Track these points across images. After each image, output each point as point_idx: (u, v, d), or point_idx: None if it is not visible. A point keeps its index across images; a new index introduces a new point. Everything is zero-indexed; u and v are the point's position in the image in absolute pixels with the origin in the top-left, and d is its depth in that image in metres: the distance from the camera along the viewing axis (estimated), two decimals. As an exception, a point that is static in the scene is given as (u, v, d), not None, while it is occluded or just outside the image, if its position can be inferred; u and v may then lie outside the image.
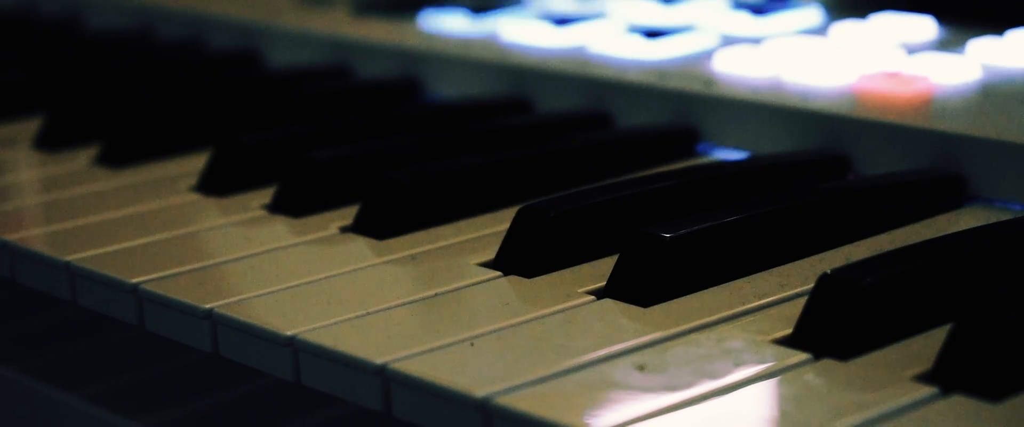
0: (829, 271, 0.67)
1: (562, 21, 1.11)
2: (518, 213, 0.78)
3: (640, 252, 0.72)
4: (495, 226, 0.83)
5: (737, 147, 0.94)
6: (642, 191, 0.80)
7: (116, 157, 0.99)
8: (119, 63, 1.21)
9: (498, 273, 0.76)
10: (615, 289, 0.72)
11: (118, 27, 1.37)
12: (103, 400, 0.87)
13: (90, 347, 0.93)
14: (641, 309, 0.70)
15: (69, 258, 0.81)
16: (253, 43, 1.24)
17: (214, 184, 0.92)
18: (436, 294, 0.74)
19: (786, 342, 0.66)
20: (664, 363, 0.65)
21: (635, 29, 1.08)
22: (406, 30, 1.17)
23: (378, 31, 1.18)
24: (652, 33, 1.06)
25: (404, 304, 0.72)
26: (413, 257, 0.79)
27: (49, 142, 1.04)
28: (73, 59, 1.25)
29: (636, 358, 0.65)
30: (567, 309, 0.71)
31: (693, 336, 0.68)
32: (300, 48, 1.21)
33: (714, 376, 0.63)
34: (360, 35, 1.17)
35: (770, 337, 0.67)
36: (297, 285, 0.75)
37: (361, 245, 0.81)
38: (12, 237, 0.85)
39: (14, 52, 1.28)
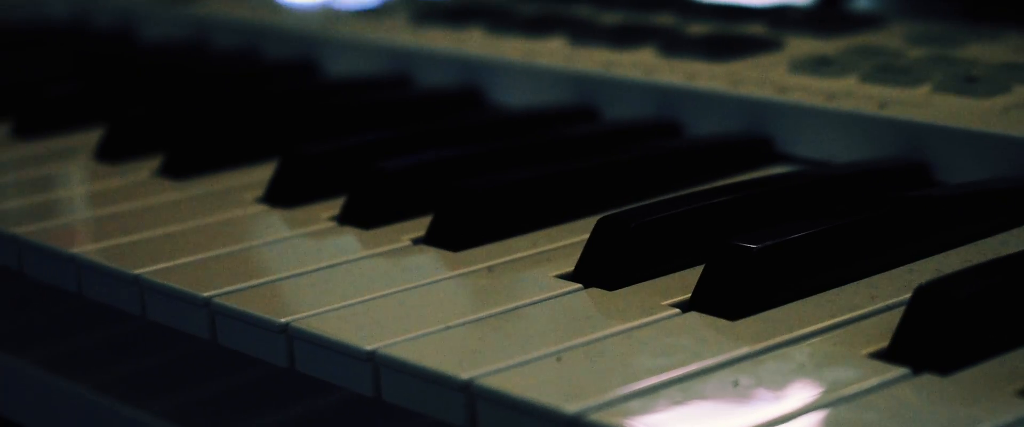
0: (926, 283, 0.65)
1: (626, 30, 1.10)
2: (598, 224, 0.76)
3: (727, 264, 0.70)
4: (571, 237, 0.81)
5: (811, 155, 0.92)
6: (724, 201, 0.78)
7: (179, 169, 0.97)
8: (176, 74, 1.20)
9: (578, 285, 0.74)
10: (701, 302, 0.70)
11: (172, 37, 1.36)
12: (171, 415, 0.85)
13: (156, 361, 0.92)
14: (729, 322, 0.69)
15: (138, 271, 0.80)
16: (310, 52, 1.23)
17: (280, 195, 0.91)
18: (516, 307, 0.72)
19: (882, 356, 0.64)
20: (759, 378, 0.63)
21: (702, 36, 1.06)
22: (466, 38, 1.15)
23: (438, 39, 1.16)
24: (719, 40, 1.04)
25: (484, 317, 0.71)
26: (490, 269, 0.77)
27: (110, 154, 1.03)
28: (128, 70, 1.24)
29: (729, 373, 0.63)
30: (653, 323, 0.69)
31: (785, 350, 0.66)
32: (358, 57, 1.19)
33: (812, 391, 0.61)
34: (420, 43, 1.16)
35: (865, 351, 0.65)
36: (373, 298, 0.74)
37: (435, 257, 0.79)
38: (79, 250, 0.84)
39: (68, 63, 1.27)
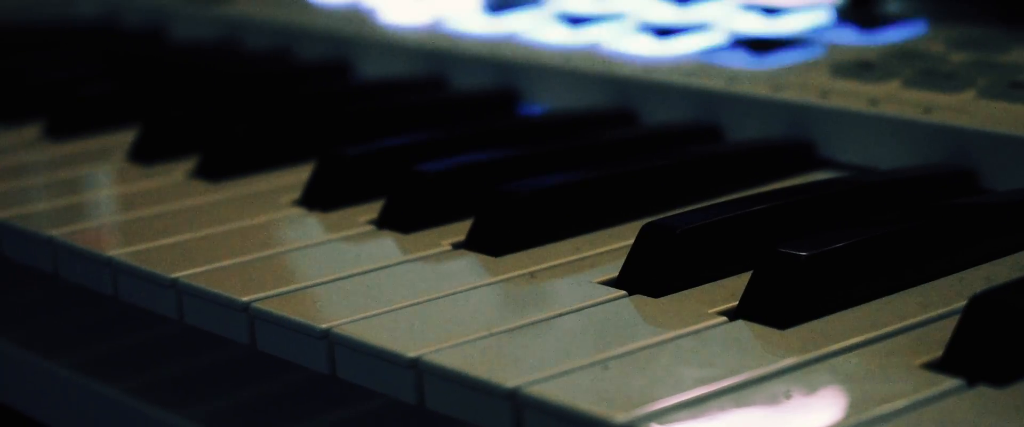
0: (981, 292, 0.64)
1: (664, 31, 1.09)
2: (643, 230, 0.75)
3: (775, 272, 0.69)
4: (613, 242, 0.80)
5: (854, 161, 0.91)
6: (769, 207, 0.77)
7: (214, 170, 0.96)
8: (208, 74, 1.19)
9: (622, 292, 0.73)
10: (748, 310, 0.69)
11: (203, 38, 1.35)
12: (208, 421, 0.84)
13: (193, 366, 0.91)
14: (778, 331, 0.67)
15: (176, 275, 0.79)
16: (343, 53, 1.22)
17: (317, 198, 0.90)
18: (560, 314, 0.71)
19: (935, 367, 0.63)
20: (810, 389, 0.62)
21: (741, 39, 1.05)
22: (504, 40, 1.14)
23: (473, 41, 1.15)
24: (758, 44, 1.03)
25: (528, 324, 0.70)
26: (532, 275, 0.76)
27: (144, 155, 1.02)
28: (160, 70, 1.23)
29: (779, 384, 0.62)
30: (700, 331, 0.68)
31: (835, 360, 0.65)
32: (392, 58, 1.18)
33: (866, 403, 0.60)
34: (455, 45, 1.15)
35: (917, 361, 0.64)
36: (414, 304, 0.73)
37: (476, 262, 0.78)
38: (115, 253, 0.83)
39: (98, 63, 1.26)
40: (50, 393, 0.94)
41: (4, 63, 1.25)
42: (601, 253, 0.79)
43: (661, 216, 0.77)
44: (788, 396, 0.61)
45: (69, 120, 1.11)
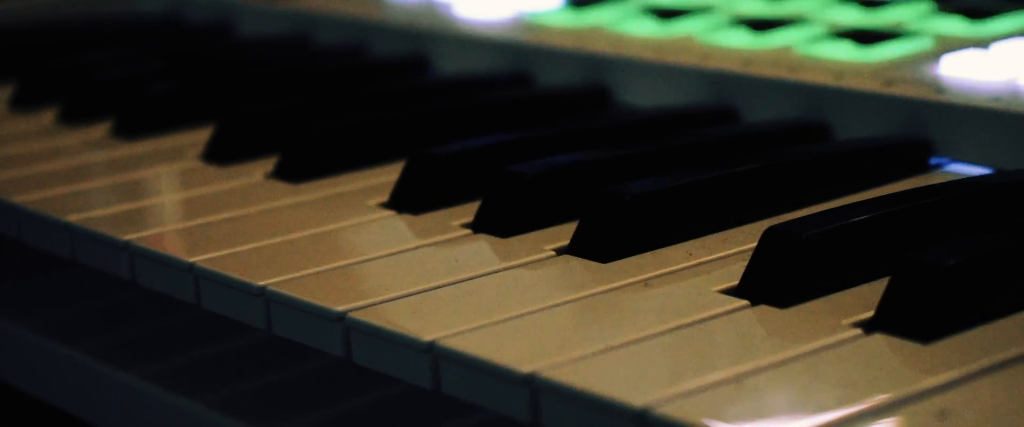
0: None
1: (760, 24, 1.04)
2: (766, 235, 0.70)
3: (916, 281, 0.64)
4: (727, 248, 0.75)
5: (973, 161, 0.86)
6: (898, 210, 0.72)
7: (295, 171, 0.92)
8: (279, 71, 1.14)
9: (745, 302, 0.68)
10: (886, 322, 0.64)
11: (271, 33, 1.30)
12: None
13: (285, 376, 0.86)
14: (921, 346, 0.62)
15: (263, 283, 0.74)
16: (420, 49, 1.17)
17: (406, 200, 0.85)
18: (681, 326, 0.66)
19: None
20: (967, 409, 0.57)
21: (843, 31, 1.00)
22: (591, 34, 1.09)
23: (558, 35, 1.10)
24: (862, 36, 0.98)
25: (649, 337, 0.65)
26: (646, 283, 0.71)
27: (219, 155, 0.97)
28: (229, 67, 1.18)
29: (932, 403, 0.57)
30: (836, 345, 0.63)
31: (988, 376, 0.59)
32: (471, 54, 1.13)
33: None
34: (540, 40, 1.10)
35: (1079, 379, 0.59)
36: (523, 315, 0.68)
37: (585, 269, 0.74)
38: (197, 259, 0.78)
39: (164, 60, 1.22)
40: (140, 405, 0.90)
41: (67, 61, 1.21)
42: (715, 259, 0.74)
43: (781, 221, 0.72)
44: (944, 417, 0.56)
45: (138, 119, 1.06)
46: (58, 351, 0.93)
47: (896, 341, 0.63)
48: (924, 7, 1.04)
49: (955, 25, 1.00)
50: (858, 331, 0.64)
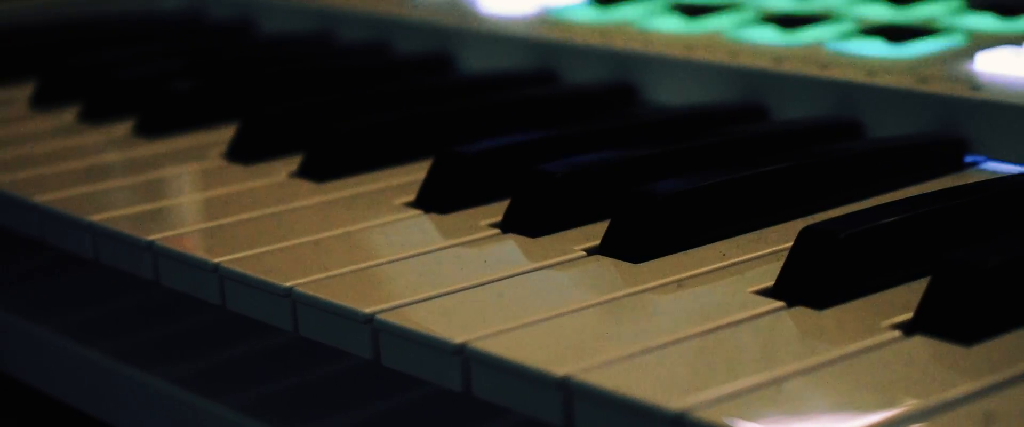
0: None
1: (789, 20, 1.02)
2: (802, 235, 0.68)
3: (956, 282, 0.63)
4: (760, 247, 0.74)
5: (1009, 159, 0.84)
6: (937, 209, 0.71)
7: (320, 170, 0.91)
8: (302, 69, 1.13)
9: (781, 303, 0.67)
10: (926, 324, 0.63)
11: (294, 31, 1.29)
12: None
13: (311, 378, 0.85)
14: (962, 348, 0.61)
15: (289, 284, 0.73)
16: (444, 46, 1.16)
17: (433, 199, 0.84)
18: (717, 328, 0.65)
19: None
20: (1014, 412, 0.55)
21: (873, 27, 0.98)
22: (616, 31, 1.08)
23: (584, 32, 1.09)
24: (893, 32, 0.97)
25: (684, 339, 0.63)
26: (680, 283, 0.70)
27: (243, 153, 0.96)
28: (251, 65, 1.17)
29: (976, 407, 0.56)
30: (875, 348, 0.62)
31: (1033, 380, 0.58)
32: (496, 51, 1.12)
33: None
34: (564, 37, 1.09)
35: None
36: (555, 317, 0.67)
37: (617, 270, 0.72)
38: (222, 259, 0.77)
39: (186, 58, 1.21)
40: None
41: (88, 59, 1.20)
42: (749, 259, 0.73)
43: (815, 220, 0.71)
44: (990, 421, 0.55)
45: (160, 118, 1.05)
46: (79, 352, 0.92)
47: (937, 343, 0.62)
48: (954, 3, 1.02)
49: (987, 22, 0.98)
50: (897, 333, 0.63)
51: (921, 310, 0.64)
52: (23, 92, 1.18)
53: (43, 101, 1.15)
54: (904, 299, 0.66)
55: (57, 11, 1.42)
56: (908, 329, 0.63)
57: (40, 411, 1.00)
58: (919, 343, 0.62)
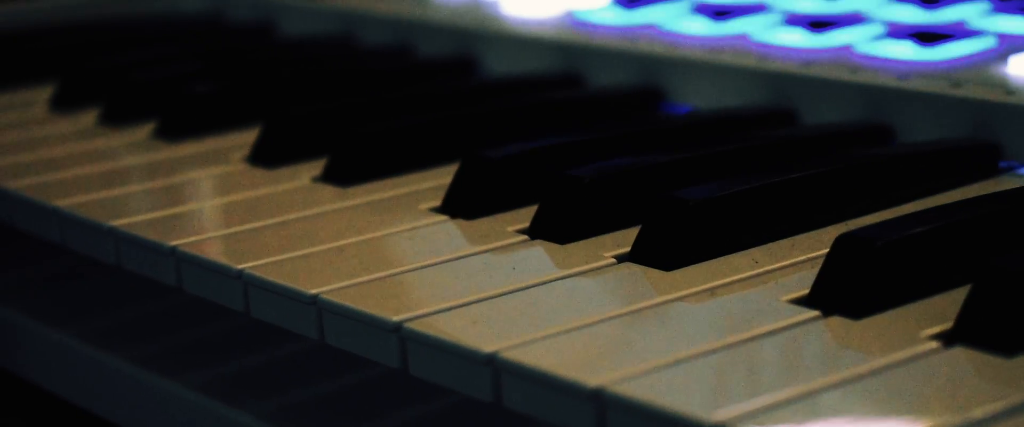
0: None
1: (817, 23, 1.01)
2: (838, 242, 0.67)
3: (998, 291, 0.61)
4: (793, 255, 0.73)
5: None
6: (976, 215, 0.70)
7: (344, 174, 0.89)
8: (325, 72, 1.12)
9: (816, 312, 0.66)
10: (967, 334, 0.62)
11: (316, 33, 1.28)
12: None
13: (336, 386, 0.84)
14: (1006, 360, 0.60)
15: (315, 291, 0.72)
16: (467, 48, 1.15)
17: (459, 204, 0.83)
18: (752, 337, 0.63)
19: None
20: (1060, 428, 0.54)
21: (903, 30, 0.97)
22: (641, 33, 1.07)
23: (609, 35, 1.08)
24: (923, 35, 0.95)
25: (719, 349, 0.62)
26: (711, 292, 0.69)
27: (266, 157, 0.95)
28: (273, 67, 1.16)
29: (1021, 419, 0.55)
30: (914, 358, 0.61)
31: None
32: (520, 54, 1.11)
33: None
34: (590, 40, 1.07)
35: None
36: (587, 326, 0.66)
37: (648, 278, 0.71)
38: (245, 266, 0.76)
39: (206, 60, 1.20)
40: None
41: (108, 61, 1.19)
42: (782, 267, 0.72)
43: (849, 226, 0.70)
44: (1035, 437, 0.54)
45: (181, 120, 1.04)
46: (101, 358, 0.91)
47: (978, 354, 0.61)
48: (984, 5, 1.01)
49: (1017, 24, 0.97)
50: (937, 344, 0.62)
51: (961, 319, 0.62)
52: (43, 94, 1.17)
53: (63, 103, 1.14)
54: (943, 308, 0.65)
55: (77, 13, 1.41)
56: (948, 339, 0.62)
57: (50, 413, 0.99)
58: (960, 354, 0.61)
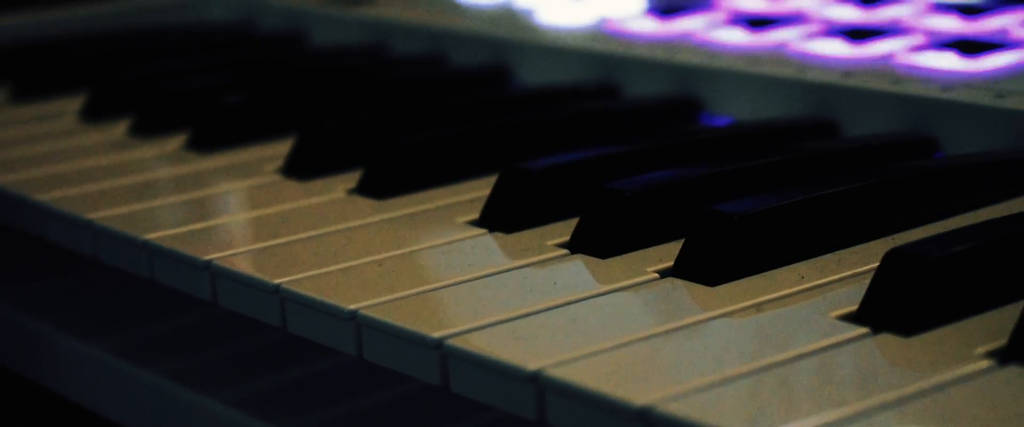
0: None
1: (857, 33, 1.00)
2: (887, 258, 0.66)
3: (1054, 308, 0.60)
4: (840, 270, 0.72)
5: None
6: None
7: (380, 186, 0.88)
8: (358, 82, 1.11)
9: (866, 329, 0.64)
10: (1023, 352, 0.60)
11: (347, 43, 1.27)
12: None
13: (371, 402, 0.83)
14: (1062, 378, 0.59)
15: (354, 306, 0.71)
16: (500, 57, 1.14)
17: (498, 218, 0.82)
18: (800, 355, 0.62)
19: None
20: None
21: (945, 41, 0.96)
22: (677, 43, 1.06)
23: (645, 44, 1.06)
24: (966, 46, 0.94)
25: (767, 367, 0.61)
26: (758, 307, 0.68)
27: (300, 169, 0.94)
28: (304, 77, 1.15)
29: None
30: (968, 377, 0.59)
31: None
32: (555, 63, 1.10)
33: None
34: (627, 50, 1.06)
35: None
36: (631, 343, 0.64)
37: (693, 293, 0.70)
38: (282, 280, 0.75)
39: (236, 70, 1.19)
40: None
41: (139, 72, 1.18)
42: (829, 282, 0.70)
43: (896, 241, 0.68)
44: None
45: (214, 132, 1.03)
46: (136, 373, 0.90)
47: (1034, 374, 0.59)
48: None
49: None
50: (991, 362, 0.61)
51: (1016, 337, 0.61)
52: (73, 105, 1.16)
53: (94, 114, 1.13)
54: (996, 325, 0.63)
55: (106, 22, 1.40)
56: (1002, 357, 0.61)
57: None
58: (1015, 373, 0.59)
